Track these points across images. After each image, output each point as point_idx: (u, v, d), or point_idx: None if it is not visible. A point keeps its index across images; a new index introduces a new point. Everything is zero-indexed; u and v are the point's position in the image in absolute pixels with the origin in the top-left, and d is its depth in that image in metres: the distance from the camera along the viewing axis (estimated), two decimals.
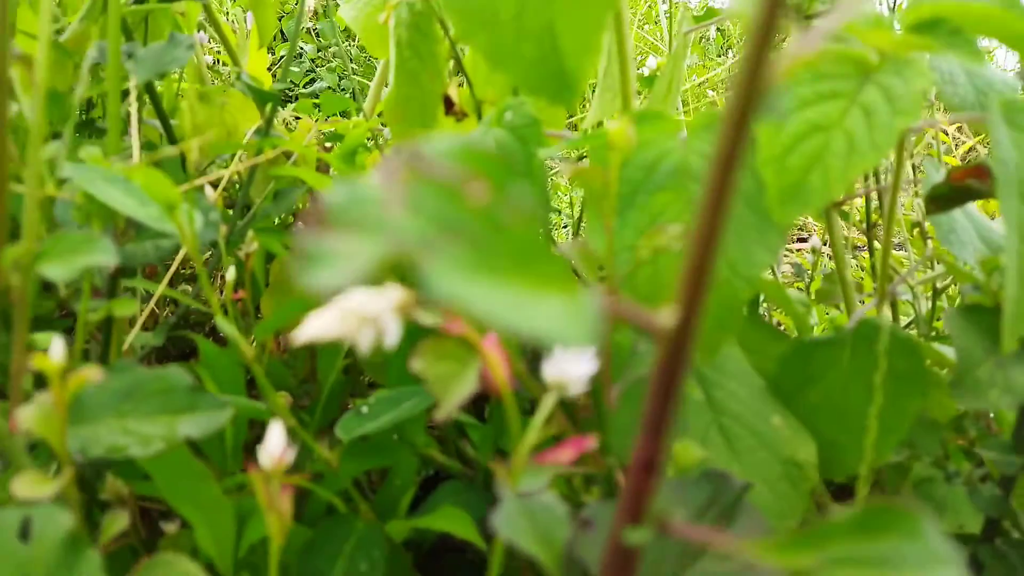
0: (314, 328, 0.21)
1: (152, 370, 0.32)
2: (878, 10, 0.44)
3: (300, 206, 0.74)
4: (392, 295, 0.23)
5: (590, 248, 0.35)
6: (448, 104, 0.60)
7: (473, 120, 0.61)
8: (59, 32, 0.72)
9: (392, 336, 0.23)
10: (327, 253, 0.12)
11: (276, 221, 0.75)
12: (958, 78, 0.44)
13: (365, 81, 1.01)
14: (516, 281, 0.14)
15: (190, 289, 0.79)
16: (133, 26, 0.65)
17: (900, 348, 0.41)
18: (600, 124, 0.58)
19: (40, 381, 0.31)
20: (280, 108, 0.74)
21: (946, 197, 0.48)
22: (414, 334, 0.51)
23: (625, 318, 0.17)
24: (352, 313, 0.22)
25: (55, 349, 0.24)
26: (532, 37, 0.35)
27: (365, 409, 0.47)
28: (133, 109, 0.46)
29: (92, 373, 0.24)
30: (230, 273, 0.56)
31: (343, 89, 1.80)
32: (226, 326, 0.38)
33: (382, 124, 0.79)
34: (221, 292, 0.68)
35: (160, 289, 0.50)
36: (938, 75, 0.44)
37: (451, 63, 0.64)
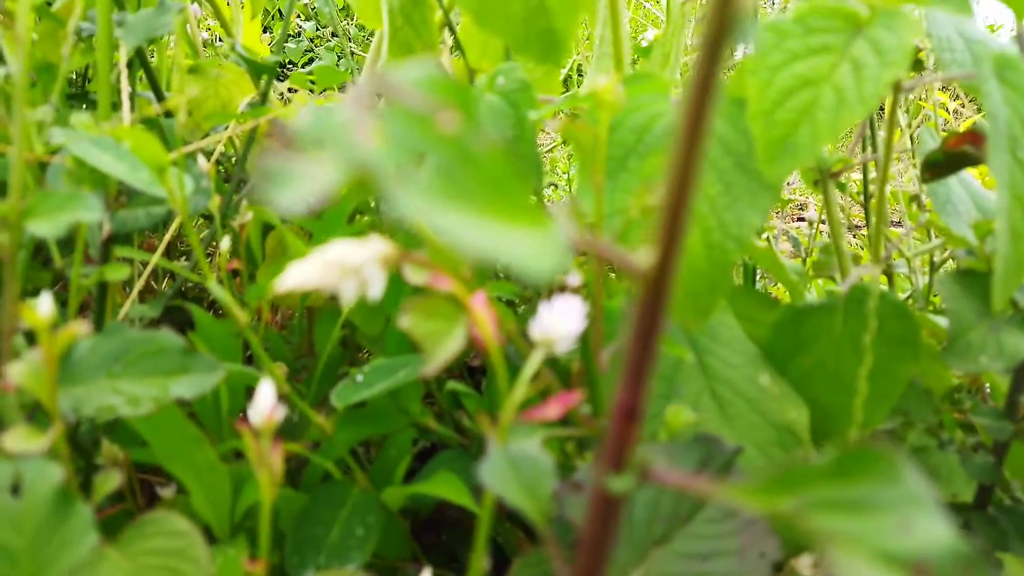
0: (296, 277, 0.21)
1: (144, 332, 0.32)
2: None
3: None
4: (375, 246, 0.23)
5: (580, 208, 0.35)
6: None
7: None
8: (50, 3, 0.71)
9: (376, 287, 0.23)
10: (291, 173, 0.12)
11: None
12: (956, 43, 0.44)
13: (363, 56, 1.00)
14: (487, 210, 0.14)
15: (187, 263, 0.79)
16: None
17: (892, 312, 0.41)
18: None
19: (33, 340, 0.31)
20: (276, 81, 0.73)
21: (942, 164, 0.48)
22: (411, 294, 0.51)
23: (602, 254, 0.17)
24: (334, 263, 0.22)
25: (43, 304, 0.24)
26: (537, 16, 0.35)
27: (360, 378, 0.47)
28: (124, 77, 0.46)
29: (80, 328, 0.24)
30: (225, 243, 0.56)
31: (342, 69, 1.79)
32: (218, 291, 0.38)
33: None
34: (217, 266, 0.68)
35: (154, 259, 0.50)
36: (935, 40, 0.43)
37: (445, 32, 0.63)
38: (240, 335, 0.54)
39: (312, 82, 0.87)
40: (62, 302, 0.58)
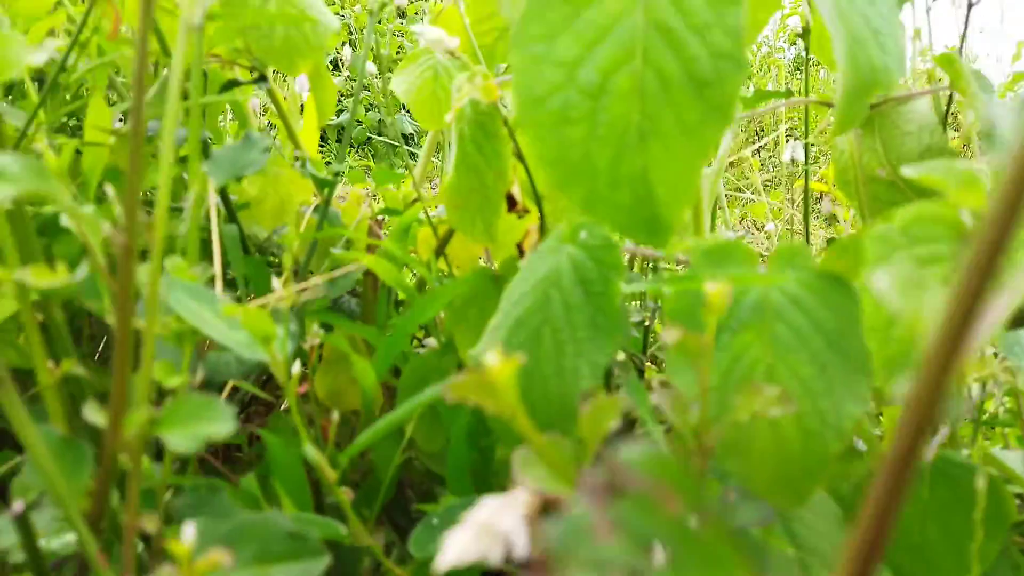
0: (455, 551, 0.21)
1: (254, 516, 0.32)
2: None
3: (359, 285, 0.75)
4: (521, 500, 0.23)
5: (679, 394, 0.35)
6: (511, 202, 0.61)
7: (534, 214, 0.62)
8: (123, 117, 0.74)
9: (521, 549, 0.23)
10: None
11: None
12: None
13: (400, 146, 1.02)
14: None
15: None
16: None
17: (976, 488, 0.40)
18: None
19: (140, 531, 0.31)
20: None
21: None
22: (472, 415, 0.51)
23: None
24: (487, 529, 0.22)
25: (186, 534, 0.24)
26: (626, 184, 0.36)
27: (436, 521, 0.47)
28: (214, 219, 0.48)
29: (222, 557, 0.25)
30: (295, 367, 0.56)
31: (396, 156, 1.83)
32: (314, 454, 0.39)
33: (429, 204, 0.80)
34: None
35: (228, 387, 0.51)
36: None
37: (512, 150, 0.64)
38: (305, 459, 0.54)
39: (368, 171, 0.88)
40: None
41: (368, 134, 2.26)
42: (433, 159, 1.00)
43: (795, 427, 0.36)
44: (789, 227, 1.31)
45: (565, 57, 0.35)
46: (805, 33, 0.78)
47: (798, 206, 1.28)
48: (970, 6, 0.77)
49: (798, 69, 2.62)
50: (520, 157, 0.60)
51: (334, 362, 0.73)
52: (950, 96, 0.64)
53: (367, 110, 2.31)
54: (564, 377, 0.43)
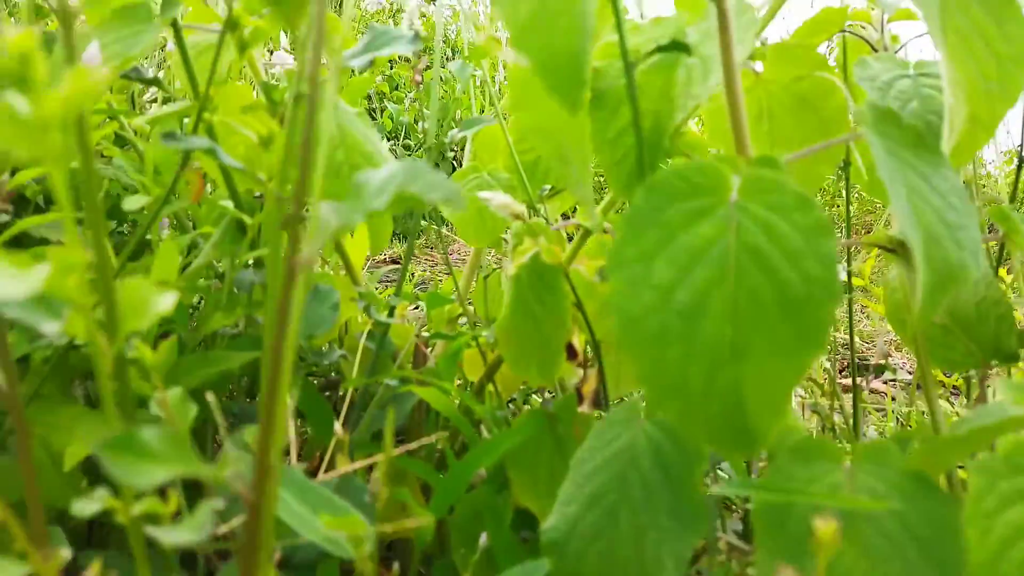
0: None
1: None
2: None
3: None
4: None
5: None
6: (571, 352, 0.61)
7: (594, 367, 0.63)
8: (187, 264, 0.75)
9: None
10: None
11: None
12: None
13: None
14: None
15: None
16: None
17: None
18: None
19: None
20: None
21: None
22: None
23: None
24: None
25: None
26: (719, 398, 0.36)
27: None
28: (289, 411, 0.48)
29: None
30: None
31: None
32: None
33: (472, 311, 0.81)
34: None
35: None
36: None
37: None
38: None
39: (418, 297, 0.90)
40: None
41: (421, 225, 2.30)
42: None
43: None
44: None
45: (661, 280, 0.36)
46: (846, 165, 0.80)
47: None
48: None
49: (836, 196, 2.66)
50: (580, 308, 0.61)
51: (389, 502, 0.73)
52: (1002, 243, 0.65)
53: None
54: (646, 566, 0.43)
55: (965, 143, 0.46)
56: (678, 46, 0.46)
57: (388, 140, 2.78)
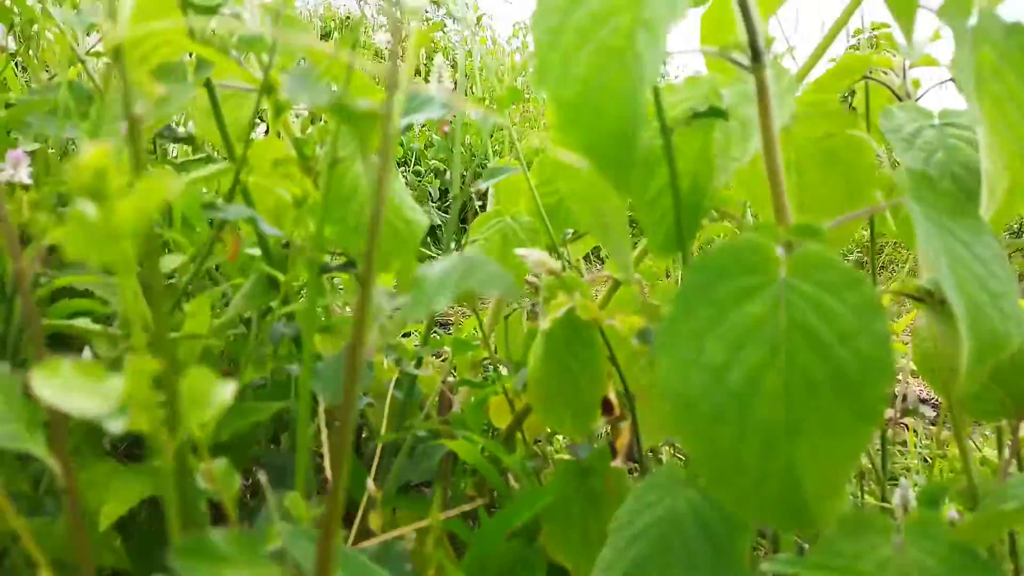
0: None
1: None
2: None
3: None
4: None
5: None
6: (607, 407, 0.61)
7: (628, 420, 0.62)
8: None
9: None
10: None
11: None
12: None
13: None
14: None
15: None
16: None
17: None
18: None
19: None
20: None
21: None
22: None
23: None
24: None
25: None
26: (775, 479, 0.36)
27: None
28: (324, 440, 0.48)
29: None
30: None
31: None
32: None
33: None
34: None
35: None
36: None
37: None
38: None
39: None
40: None
41: None
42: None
43: None
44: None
45: (713, 360, 0.36)
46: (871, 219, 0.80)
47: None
48: None
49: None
50: (614, 361, 0.61)
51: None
52: None
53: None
54: None
55: (1003, 208, 0.46)
56: (715, 112, 0.47)
57: (399, 166, 2.79)
